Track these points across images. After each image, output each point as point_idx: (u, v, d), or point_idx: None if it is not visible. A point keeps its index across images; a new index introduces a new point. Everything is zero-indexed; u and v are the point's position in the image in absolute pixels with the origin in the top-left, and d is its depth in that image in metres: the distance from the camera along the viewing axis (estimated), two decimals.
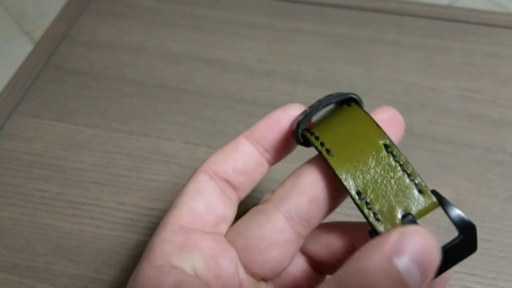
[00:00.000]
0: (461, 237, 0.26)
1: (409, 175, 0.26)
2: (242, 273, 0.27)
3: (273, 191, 0.28)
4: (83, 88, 0.53)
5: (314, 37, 0.57)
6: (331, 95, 0.29)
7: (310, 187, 0.27)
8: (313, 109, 0.28)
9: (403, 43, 0.56)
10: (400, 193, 0.25)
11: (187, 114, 0.50)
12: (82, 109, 0.51)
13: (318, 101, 0.28)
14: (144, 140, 0.48)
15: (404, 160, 0.26)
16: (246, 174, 0.29)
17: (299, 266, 0.30)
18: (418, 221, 0.25)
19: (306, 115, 0.28)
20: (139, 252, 0.41)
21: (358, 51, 0.55)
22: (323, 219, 0.28)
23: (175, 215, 0.27)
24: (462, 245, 0.26)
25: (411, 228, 0.22)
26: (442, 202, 0.26)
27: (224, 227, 0.28)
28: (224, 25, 0.59)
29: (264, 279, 0.28)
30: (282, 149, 0.30)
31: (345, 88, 0.52)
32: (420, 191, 0.26)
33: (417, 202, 0.25)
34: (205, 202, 0.28)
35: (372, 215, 0.25)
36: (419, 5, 0.59)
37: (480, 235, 0.41)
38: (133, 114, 0.50)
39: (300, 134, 0.28)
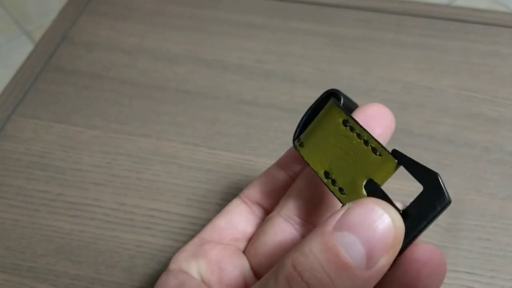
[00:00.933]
0: (423, 189, 0.24)
1: (365, 142, 0.25)
2: (251, 278, 0.28)
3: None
4: (82, 89, 0.53)
5: (313, 37, 0.57)
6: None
7: (304, 189, 0.28)
8: (300, 120, 0.31)
9: (402, 43, 0.56)
10: (359, 162, 0.24)
11: (187, 115, 0.50)
12: (81, 110, 0.51)
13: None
14: (144, 141, 0.48)
15: (360, 129, 0.25)
16: (274, 197, 0.31)
17: None
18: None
19: (297, 128, 0.30)
20: (139, 252, 0.42)
21: (357, 51, 0.55)
22: (325, 215, 0.28)
23: (202, 232, 0.31)
24: (428, 198, 0.23)
25: (359, 201, 0.20)
26: (402, 160, 0.24)
27: (242, 242, 0.31)
28: (223, 26, 0.59)
29: None
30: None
31: (344, 88, 0.52)
32: (379, 154, 0.24)
33: (377, 166, 0.24)
34: (228, 219, 0.31)
35: (337, 190, 0.25)
36: (418, 4, 0.59)
37: (479, 235, 0.42)
38: (132, 115, 0.50)
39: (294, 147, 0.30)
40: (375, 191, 0.24)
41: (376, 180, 0.24)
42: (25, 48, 1.60)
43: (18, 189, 0.46)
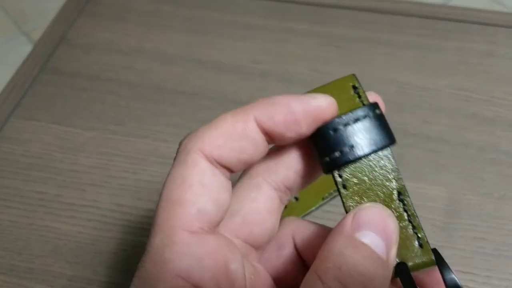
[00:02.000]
0: None
1: (414, 227, 0.25)
2: (249, 270, 0.26)
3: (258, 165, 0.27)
4: (80, 91, 0.53)
5: (308, 37, 0.57)
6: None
7: (296, 161, 0.27)
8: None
9: (397, 43, 0.56)
10: (401, 242, 0.25)
11: (183, 116, 0.50)
12: (79, 111, 0.51)
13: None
14: (141, 142, 0.49)
15: (412, 212, 0.26)
16: (246, 163, 0.26)
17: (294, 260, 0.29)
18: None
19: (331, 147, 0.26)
20: (136, 253, 0.42)
21: (353, 51, 0.55)
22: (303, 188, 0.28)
23: (183, 218, 0.24)
24: None
25: (360, 207, 0.24)
26: (439, 262, 0.25)
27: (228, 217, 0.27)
28: (219, 26, 0.59)
29: (258, 248, 0.27)
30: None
31: None
32: (420, 245, 0.25)
33: (415, 255, 0.25)
34: (215, 201, 0.25)
35: None
36: (413, 4, 0.59)
37: (474, 234, 0.42)
38: (129, 116, 0.51)
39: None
40: (405, 273, 0.25)
41: (408, 265, 0.25)
42: (23, 48, 1.60)
43: (15, 190, 0.46)
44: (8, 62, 1.56)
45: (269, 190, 0.27)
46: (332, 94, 0.27)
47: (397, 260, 0.25)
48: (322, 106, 0.26)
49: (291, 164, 0.27)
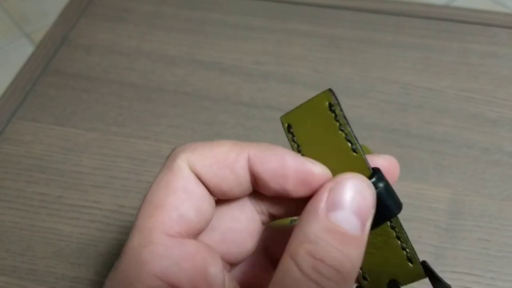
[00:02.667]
0: None
1: (402, 246, 0.26)
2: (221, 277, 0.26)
3: None
4: (82, 92, 0.53)
5: (311, 38, 0.57)
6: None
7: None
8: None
9: (400, 44, 0.56)
10: (391, 261, 0.25)
11: (185, 117, 0.50)
12: (81, 113, 0.51)
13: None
14: (143, 143, 0.48)
15: (401, 230, 0.25)
16: (224, 195, 0.26)
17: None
18: None
19: None
20: None
21: (355, 52, 0.55)
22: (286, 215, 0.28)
23: (163, 221, 0.24)
24: None
25: (338, 181, 0.23)
26: (429, 274, 0.26)
27: (210, 231, 0.26)
28: (221, 27, 0.59)
29: (233, 265, 0.27)
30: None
31: (342, 89, 0.52)
32: (410, 262, 0.25)
33: (405, 272, 0.25)
34: (197, 208, 0.24)
35: (361, 275, 0.26)
36: (416, 5, 0.59)
37: (478, 235, 0.42)
38: (131, 118, 0.51)
39: None
40: None
41: (399, 280, 0.26)
42: (25, 50, 1.60)
43: (17, 191, 0.46)
44: (10, 64, 1.56)
45: (252, 212, 0.26)
46: (307, 119, 0.26)
47: (388, 279, 0.25)
48: (314, 172, 0.24)
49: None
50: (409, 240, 0.25)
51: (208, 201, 0.25)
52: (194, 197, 0.24)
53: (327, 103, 0.25)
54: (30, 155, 0.48)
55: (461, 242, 0.41)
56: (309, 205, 0.23)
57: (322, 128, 0.25)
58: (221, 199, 0.26)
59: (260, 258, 0.29)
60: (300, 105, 0.27)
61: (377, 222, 0.24)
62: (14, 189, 0.46)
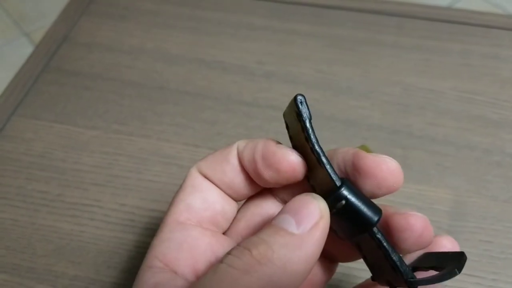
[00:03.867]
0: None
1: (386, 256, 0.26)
2: None
3: None
4: (83, 89, 0.53)
5: (313, 38, 0.57)
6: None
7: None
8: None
9: (402, 45, 0.56)
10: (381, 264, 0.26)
11: (187, 116, 0.50)
12: (82, 110, 0.51)
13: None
14: (144, 142, 0.48)
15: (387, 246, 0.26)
16: (233, 189, 0.28)
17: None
18: None
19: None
20: (139, 253, 0.41)
21: (357, 53, 0.55)
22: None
23: (172, 213, 0.27)
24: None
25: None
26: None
27: (223, 224, 0.28)
28: (223, 26, 0.59)
29: None
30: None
31: (343, 89, 0.52)
32: (393, 269, 0.26)
33: (392, 276, 0.26)
34: (202, 198, 0.28)
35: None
36: (418, 7, 0.59)
37: (480, 237, 0.42)
38: (132, 116, 0.50)
39: None
40: None
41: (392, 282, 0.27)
42: (24, 50, 1.60)
43: (18, 189, 0.46)
44: (9, 64, 1.56)
45: (274, 203, 0.29)
46: (291, 120, 0.26)
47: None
48: (276, 152, 0.26)
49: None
50: (389, 248, 0.25)
51: (214, 192, 0.28)
52: (200, 190, 0.28)
53: (295, 112, 0.25)
54: (30, 153, 0.48)
55: (463, 243, 0.41)
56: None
57: (299, 133, 0.26)
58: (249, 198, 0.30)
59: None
60: (289, 103, 0.27)
61: (354, 232, 0.25)
62: (14, 186, 0.46)
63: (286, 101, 0.51)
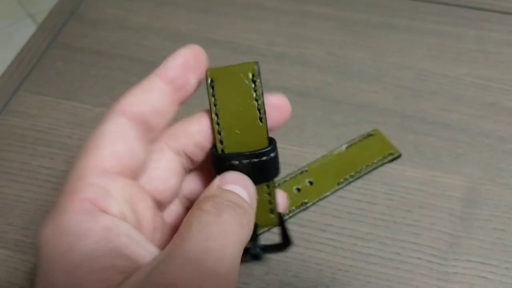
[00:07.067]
0: None
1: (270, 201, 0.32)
2: (157, 220, 0.29)
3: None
4: (90, 66, 0.52)
5: (325, 21, 0.56)
6: None
7: (196, 135, 0.30)
8: None
9: (416, 29, 0.55)
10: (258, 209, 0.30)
11: (194, 95, 0.49)
12: (88, 87, 0.50)
13: None
14: None
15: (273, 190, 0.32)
16: (162, 115, 0.29)
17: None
18: None
19: None
20: None
21: (370, 36, 0.54)
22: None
23: (97, 158, 0.26)
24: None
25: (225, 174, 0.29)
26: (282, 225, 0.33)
27: (141, 173, 0.29)
28: (233, 6, 0.57)
29: (163, 205, 0.30)
30: (191, 90, 0.31)
31: (355, 73, 0.51)
32: (271, 211, 0.32)
33: (266, 217, 0.32)
34: (129, 147, 0.27)
35: None
36: None
37: (493, 225, 0.41)
38: None
39: None
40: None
41: (259, 224, 0.32)
42: (28, 31, 1.58)
43: (22, 164, 0.45)
44: (12, 44, 1.55)
45: (170, 154, 0.30)
46: (229, 81, 0.30)
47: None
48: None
49: (191, 136, 0.30)
50: (276, 197, 0.31)
51: (140, 141, 0.28)
52: (126, 137, 0.27)
53: (251, 74, 0.29)
54: (36, 128, 0.47)
55: (475, 231, 0.40)
56: (206, 188, 0.28)
57: (239, 93, 0.29)
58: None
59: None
60: (229, 66, 0.30)
61: (257, 181, 0.30)
62: (19, 162, 0.45)
63: (297, 84, 0.50)
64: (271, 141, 0.30)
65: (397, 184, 0.43)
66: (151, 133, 0.29)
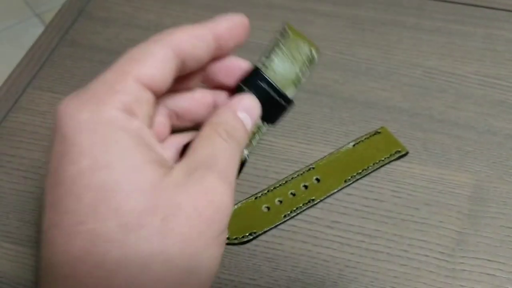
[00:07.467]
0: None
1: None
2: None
3: None
4: (99, 64, 0.52)
5: (333, 19, 0.56)
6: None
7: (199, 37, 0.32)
8: None
9: (424, 27, 0.55)
10: None
11: None
12: None
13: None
14: None
15: None
16: (198, 63, 0.32)
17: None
18: None
19: None
20: None
21: (378, 34, 0.54)
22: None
23: (139, 71, 0.28)
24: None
25: (242, 96, 0.32)
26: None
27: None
28: (241, 5, 0.58)
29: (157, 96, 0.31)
30: (226, 54, 0.35)
31: (363, 71, 0.51)
32: None
33: None
34: (164, 77, 0.29)
35: None
36: None
37: (501, 222, 0.41)
38: None
39: None
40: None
41: None
42: (35, 30, 1.59)
43: (33, 161, 0.45)
44: (20, 44, 1.56)
45: (165, 48, 0.30)
46: (299, 43, 0.35)
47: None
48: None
49: (194, 36, 0.31)
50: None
51: (172, 74, 0.30)
52: (165, 67, 0.29)
53: (314, 52, 0.35)
54: (45, 125, 0.48)
55: (483, 228, 0.41)
56: (225, 105, 0.32)
57: (296, 58, 0.35)
58: None
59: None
60: (303, 35, 0.35)
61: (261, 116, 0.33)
62: (29, 158, 0.45)
63: (305, 81, 0.50)
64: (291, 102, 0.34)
65: (404, 181, 0.43)
66: (182, 72, 0.31)
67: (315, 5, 0.57)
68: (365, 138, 0.46)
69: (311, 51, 0.35)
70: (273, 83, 0.33)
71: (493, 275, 0.38)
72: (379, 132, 0.46)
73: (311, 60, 0.35)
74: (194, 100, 0.34)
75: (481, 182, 0.43)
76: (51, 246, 0.26)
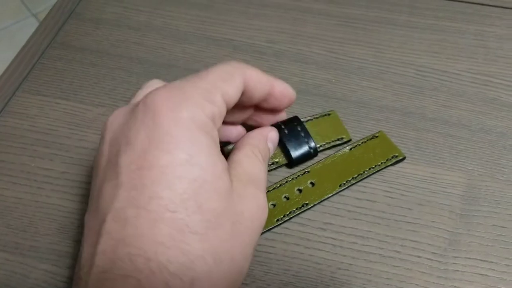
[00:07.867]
0: None
1: None
2: None
3: None
4: (89, 66, 0.52)
5: (325, 17, 0.55)
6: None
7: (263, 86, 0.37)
8: None
9: (416, 25, 0.54)
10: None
11: None
12: (88, 87, 0.50)
13: None
14: None
15: None
16: (254, 100, 0.37)
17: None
18: None
19: None
20: None
21: (370, 33, 0.54)
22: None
23: (222, 88, 0.33)
24: None
25: (272, 128, 0.41)
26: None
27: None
28: (234, 4, 0.57)
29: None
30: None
31: (355, 70, 0.51)
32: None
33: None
34: (234, 99, 0.34)
35: None
36: None
37: (493, 222, 0.41)
38: None
39: None
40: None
41: None
42: (32, 30, 1.59)
43: (21, 166, 0.45)
44: (16, 43, 1.55)
45: (241, 77, 0.35)
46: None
47: None
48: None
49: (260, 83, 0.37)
50: None
51: (238, 95, 0.34)
52: (236, 91, 0.34)
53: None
54: (35, 129, 0.47)
55: (476, 228, 0.40)
56: (259, 131, 0.40)
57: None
58: None
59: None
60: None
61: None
62: (18, 163, 0.45)
63: (297, 81, 0.50)
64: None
65: (397, 181, 0.43)
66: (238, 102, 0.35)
67: (308, 4, 0.57)
68: (362, 142, 0.45)
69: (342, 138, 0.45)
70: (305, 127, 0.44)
71: (486, 275, 0.38)
72: (376, 136, 0.45)
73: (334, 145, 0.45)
74: (234, 130, 0.41)
75: (474, 181, 0.43)
76: (130, 227, 0.28)
